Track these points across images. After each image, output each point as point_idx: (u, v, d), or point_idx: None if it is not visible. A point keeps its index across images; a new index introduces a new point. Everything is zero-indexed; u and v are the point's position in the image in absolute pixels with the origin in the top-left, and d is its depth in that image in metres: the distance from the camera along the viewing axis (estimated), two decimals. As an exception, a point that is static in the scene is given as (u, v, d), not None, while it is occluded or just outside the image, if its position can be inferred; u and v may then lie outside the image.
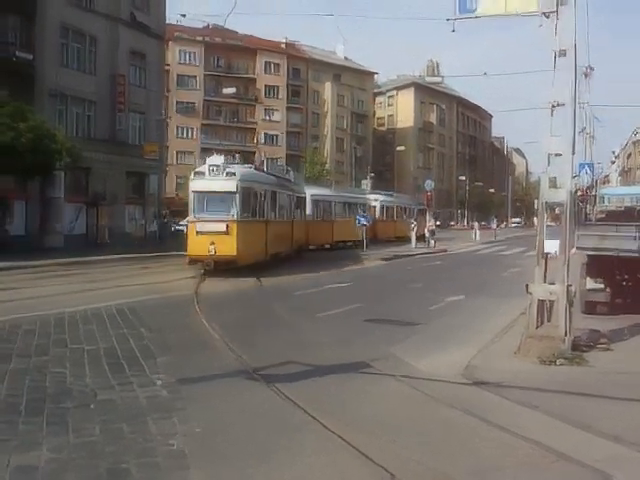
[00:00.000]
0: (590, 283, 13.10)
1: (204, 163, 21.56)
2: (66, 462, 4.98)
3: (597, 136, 40.89)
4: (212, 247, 19.23)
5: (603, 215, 20.43)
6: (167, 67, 56.08)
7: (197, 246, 19.82)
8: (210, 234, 19.55)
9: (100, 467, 4.90)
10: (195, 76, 76.67)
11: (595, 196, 30.80)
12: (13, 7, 31.51)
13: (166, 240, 37.24)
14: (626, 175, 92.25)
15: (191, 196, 20.54)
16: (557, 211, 10.63)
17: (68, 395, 6.72)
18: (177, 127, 72.74)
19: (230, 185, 20.01)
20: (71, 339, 9.52)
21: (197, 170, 21.32)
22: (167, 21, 44.70)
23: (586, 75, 26.71)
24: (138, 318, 11.35)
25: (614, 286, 13.18)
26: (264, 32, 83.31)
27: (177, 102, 72.35)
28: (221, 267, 19.32)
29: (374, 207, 43.29)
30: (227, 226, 19.67)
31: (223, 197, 20.13)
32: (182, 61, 75.77)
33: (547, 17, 9.61)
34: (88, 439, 5.47)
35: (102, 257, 26.32)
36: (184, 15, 39.21)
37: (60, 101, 34.49)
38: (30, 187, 31.03)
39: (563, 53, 9.56)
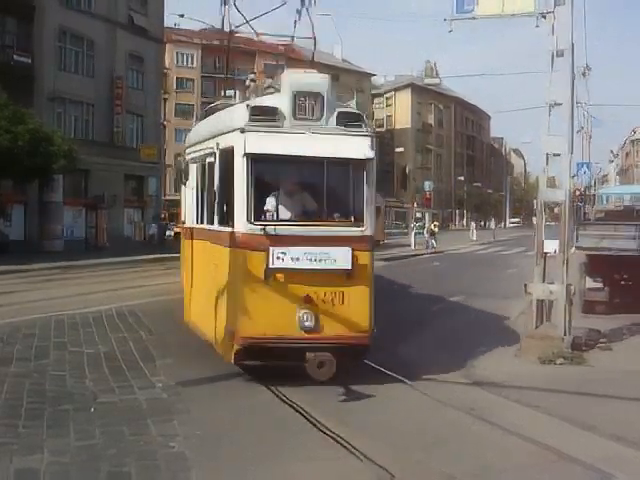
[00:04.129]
0: (589, 282, 13.13)
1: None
2: (67, 465, 4.98)
3: (595, 135, 41.01)
4: (308, 315, 7.36)
5: (602, 214, 20.49)
6: (165, 70, 56.14)
7: (264, 312, 7.41)
8: (304, 280, 7.47)
9: (101, 470, 4.90)
10: (193, 79, 76.66)
11: (594, 195, 30.89)
12: (11, 11, 31.57)
13: (165, 242, 37.22)
14: (625, 174, 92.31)
15: (240, 166, 7.51)
16: (556, 210, 10.66)
17: (68, 398, 6.71)
18: (176, 130, 72.74)
19: (356, 148, 7.72)
20: (71, 342, 9.51)
21: (256, 104, 7.72)
22: (165, 24, 44.72)
23: (584, 75, 26.80)
24: (138, 321, 11.34)
25: (613, 285, 13.21)
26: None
27: (176, 104, 72.41)
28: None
29: None
30: (355, 256, 7.47)
31: (336, 178, 7.93)
32: (180, 64, 75.74)
33: (544, 17, 9.65)
34: (89, 442, 5.47)
35: (101, 260, 26.29)
36: (182, 15, 39.19)
37: (58, 104, 34.53)
38: (29, 191, 31.07)
39: (560, 53, 9.61)
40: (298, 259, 7.29)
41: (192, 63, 76.84)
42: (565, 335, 9.44)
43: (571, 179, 10.66)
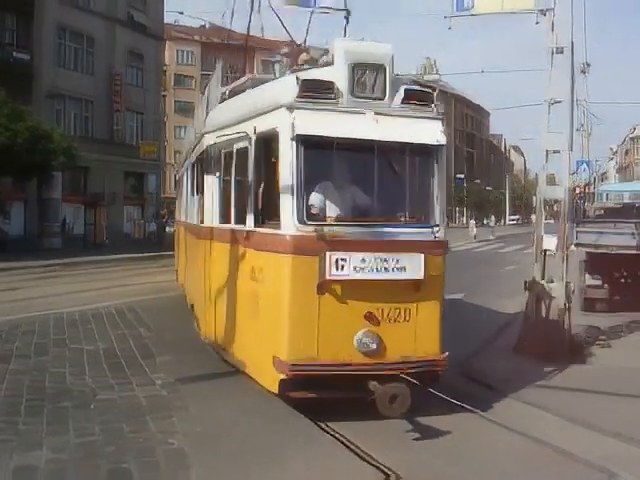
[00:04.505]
0: (589, 280, 13.14)
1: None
2: (67, 462, 4.98)
3: (595, 133, 40.99)
4: (370, 336, 6.17)
5: (601, 212, 20.47)
6: (165, 67, 56.10)
7: (316, 333, 6.15)
8: (366, 293, 6.21)
9: (101, 467, 4.89)
10: (192, 76, 76.58)
11: (593, 193, 30.91)
12: (10, 7, 31.54)
13: (164, 240, 37.25)
14: (624, 172, 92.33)
15: (287, 153, 6.20)
16: (556, 208, 10.67)
17: (68, 395, 6.70)
18: (175, 127, 72.66)
19: (427, 132, 6.57)
20: (70, 339, 9.51)
21: (308, 76, 6.35)
22: (165, 21, 44.66)
23: (583, 72, 26.73)
24: (137, 318, 11.33)
25: (613, 283, 13.22)
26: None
27: (175, 101, 72.34)
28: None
29: None
30: (425, 263, 6.23)
31: (402, 167, 6.71)
32: (180, 61, 75.68)
33: (544, 14, 9.65)
34: (88, 439, 5.46)
35: (100, 257, 26.32)
36: (182, 12, 39.12)
37: (58, 101, 34.51)
38: (28, 188, 31.08)
39: (560, 50, 9.60)
40: (361, 268, 6.03)
41: (192, 60, 76.78)
42: (564, 332, 9.44)
43: (570, 176, 10.66)
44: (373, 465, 5.16)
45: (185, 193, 12.61)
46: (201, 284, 8.62)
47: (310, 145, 6.18)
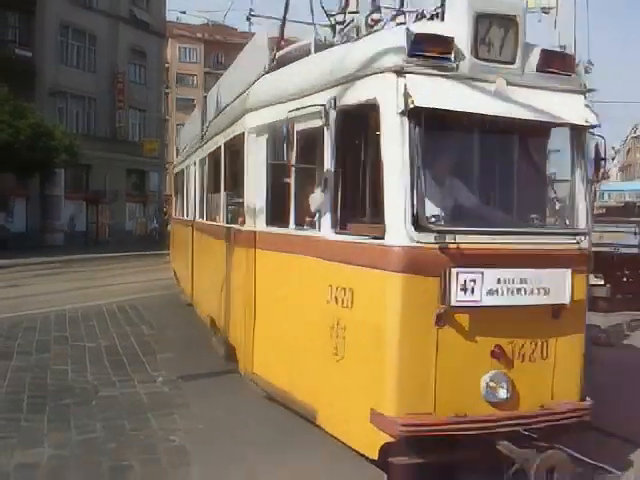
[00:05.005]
0: (590, 279, 13.14)
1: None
2: (68, 459, 4.99)
3: (597, 132, 40.84)
4: (501, 380, 4.61)
5: (603, 211, 20.47)
6: (167, 64, 56.11)
7: (432, 378, 4.50)
8: (495, 323, 4.61)
9: (102, 464, 4.90)
10: (195, 74, 76.53)
11: (595, 192, 30.87)
12: (13, 4, 31.54)
13: (166, 237, 37.32)
14: (626, 171, 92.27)
15: (395, 132, 4.52)
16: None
17: (69, 392, 6.72)
18: (177, 125, 72.57)
19: (573, 109, 4.98)
20: (72, 336, 9.52)
21: (422, 30, 4.63)
22: (167, 18, 44.65)
23: (586, 71, 26.73)
24: (139, 315, 11.35)
25: (614, 282, 13.21)
26: (263, 29, 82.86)
27: (177, 99, 72.35)
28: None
29: None
30: (572, 286, 4.73)
31: (538, 154, 5.55)
32: (182, 58, 75.60)
33: (546, 13, 9.65)
34: (90, 436, 5.48)
35: (102, 255, 26.34)
36: (184, 12, 39.11)
37: (60, 99, 34.55)
38: (30, 185, 31.12)
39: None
40: (495, 290, 4.50)
41: (195, 58, 76.71)
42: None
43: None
44: (374, 465, 5.15)
45: (196, 188, 11.13)
46: (237, 303, 7.02)
47: (426, 123, 4.53)
